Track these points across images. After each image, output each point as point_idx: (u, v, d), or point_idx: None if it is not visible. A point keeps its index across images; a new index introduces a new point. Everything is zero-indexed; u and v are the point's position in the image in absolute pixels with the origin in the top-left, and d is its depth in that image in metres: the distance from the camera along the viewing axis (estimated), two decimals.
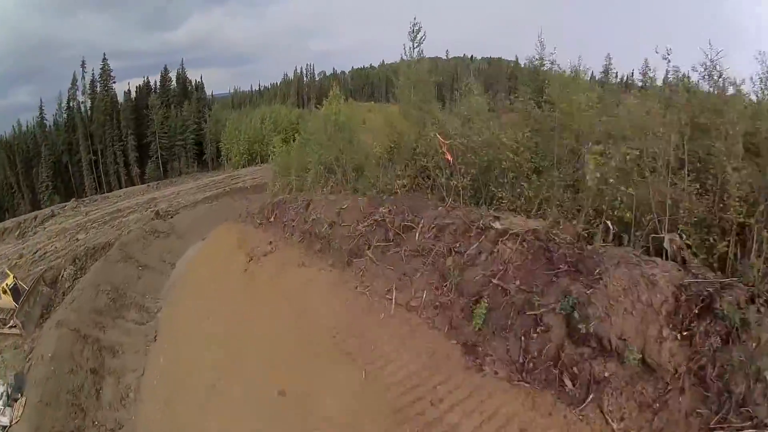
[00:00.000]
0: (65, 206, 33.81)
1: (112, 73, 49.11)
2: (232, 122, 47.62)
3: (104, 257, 20.66)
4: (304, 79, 70.05)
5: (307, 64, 71.53)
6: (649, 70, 18.34)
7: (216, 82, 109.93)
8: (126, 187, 43.75)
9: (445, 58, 63.80)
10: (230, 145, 45.96)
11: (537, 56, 19.27)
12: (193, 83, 54.05)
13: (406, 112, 21.97)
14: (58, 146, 45.33)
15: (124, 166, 44.85)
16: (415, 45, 23.03)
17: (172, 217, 26.31)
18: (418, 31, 22.22)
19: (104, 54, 49.71)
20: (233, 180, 36.51)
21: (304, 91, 68.07)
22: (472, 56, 64.83)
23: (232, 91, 68.30)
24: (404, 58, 24.54)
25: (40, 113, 47.32)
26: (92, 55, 65.93)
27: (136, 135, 45.87)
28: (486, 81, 63.66)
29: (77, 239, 26.15)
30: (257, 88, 71.80)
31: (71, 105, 46.79)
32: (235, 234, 17.49)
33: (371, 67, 74.08)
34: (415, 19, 22.11)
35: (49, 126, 48.18)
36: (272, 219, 16.49)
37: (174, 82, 52.15)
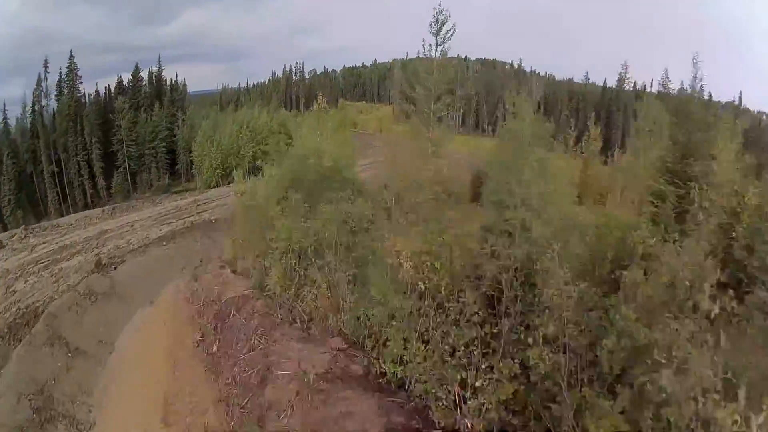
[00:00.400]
0: (14, 235, 31.27)
1: (78, 72, 45.54)
2: (204, 130, 44.05)
3: (29, 338, 18.23)
4: (293, 77, 65.89)
5: (296, 62, 67.29)
6: (669, 80, 14.50)
7: (206, 79, 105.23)
8: (91, 201, 41.05)
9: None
10: (202, 157, 42.75)
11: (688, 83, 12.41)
12: (169, 82, 50.40)
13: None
14: (21, 155, 42.22)
15: (89, 178, 41.86)
16: (439, 41, 18.02)
17: (115, 268, 23.79)
18: (444, 22, 17.87)
19: (71, 51, 45.78)
20: (199, 207, 33.80)
21: (293, 90, 64.18)
22: (466, 57, 60.53)
23: (221, 88, 65.09)
24: (424, 55, 18.51)
25: (3, 117, 43.87)
26: (83, 48, 62.07)
27: (103, 143, 42.63)
28: (487, 86, 59.62)
29: (14, 290, 23.78)
30: (245, 86, 68.08)
31: (35, 108, 43.31)
32: (165, 359, 14.13)
33: (363, 66, 69.97)
34: (440, 5, 17.62)
35: (25, 129, 44.69)
36: (214, 349, 12.69)
37: (146, 81, 48.47)
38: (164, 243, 26.96)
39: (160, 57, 51.88)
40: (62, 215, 39.16)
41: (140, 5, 74.52)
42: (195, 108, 50.89)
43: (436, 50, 18.25)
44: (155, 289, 21.68)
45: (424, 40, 18.69)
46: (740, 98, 67.05)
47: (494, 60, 60.75)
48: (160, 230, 29.03)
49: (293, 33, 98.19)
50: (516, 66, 61.06)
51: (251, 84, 67.03)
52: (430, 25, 18.26)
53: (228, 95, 63.38)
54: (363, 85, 68.24)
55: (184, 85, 54.71)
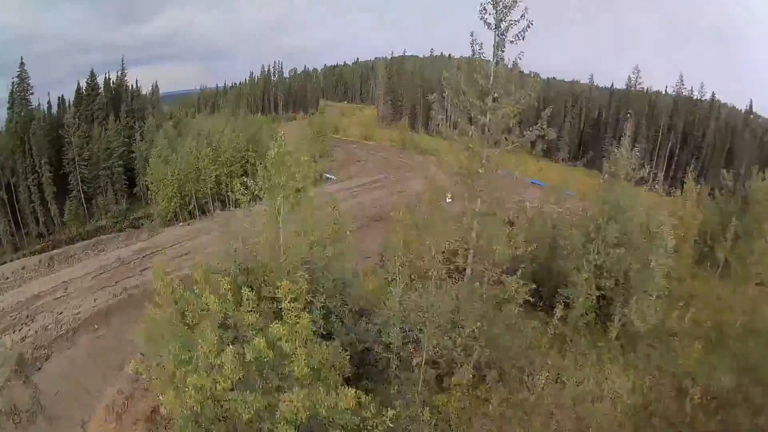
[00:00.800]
0: None
1: (29, 81, 41.54)
2: (158, 148, 40.14)
3: None
4: (272, 78, 60.39)
5: (275, 62, 61.68)
6: (683, 86, 12.31)
7: (185, 79, 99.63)
8: (46, 230, 39.28)
9: (425, 56, 54.36)
10: (156, 183, 39.44)
11: None
12: (130, 88, 45.89)
13: None
14: None
15: (41, 204, 39.67)
16: (499, 36, 11.75)
17: (40, 368, 22.74)
18: (510, 5, 11.27)
19: (21, 58, 41.54)
20: (144, 260, 32.00)
21: (271, 92, 58.97)
22: (449, 55, 55.16)
23: (199, 88, 60.97)
24: (475, 56, 12.48)
25: None
26: (67, 49, 57.46)
27: (54, 164, 39.86)
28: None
29: None
30: (224, 85, 63.31)
31: None
32: None
33: (345, 64, 63.81)
34: None
35: None
36: None
37: (102, 89, 44.32)
38: (96, 326, 25.67)
39: (123, 60, 47.22)
40: (16, 246, 37.74)
41: (120, 3, 68.16)
42: (158, 116, 46.98)
43: (494, 54, 12.17)
44: (87, 401, 20.49)
45: (473, 35, 11.86)
46: (750, 106, 62.72)
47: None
48: (95, 301, 27.68)
49: (273, 31, 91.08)
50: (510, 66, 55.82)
51: (229, 84, 62.39)
52: (483, 9, 11.35)
53: (206, 96, 59.36)
54: (345, 84, 62.83)
55: (156, 89, 50.73)
